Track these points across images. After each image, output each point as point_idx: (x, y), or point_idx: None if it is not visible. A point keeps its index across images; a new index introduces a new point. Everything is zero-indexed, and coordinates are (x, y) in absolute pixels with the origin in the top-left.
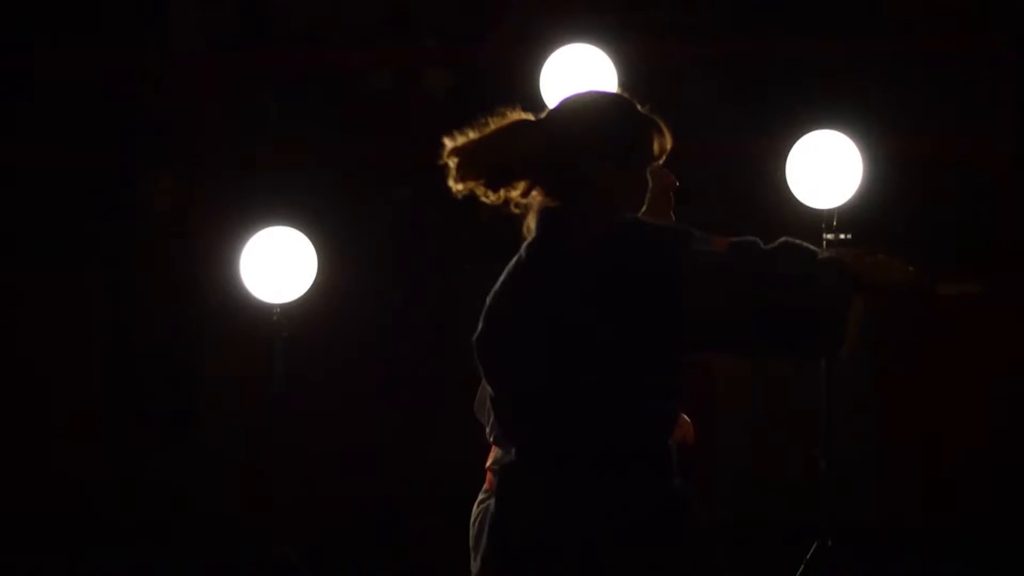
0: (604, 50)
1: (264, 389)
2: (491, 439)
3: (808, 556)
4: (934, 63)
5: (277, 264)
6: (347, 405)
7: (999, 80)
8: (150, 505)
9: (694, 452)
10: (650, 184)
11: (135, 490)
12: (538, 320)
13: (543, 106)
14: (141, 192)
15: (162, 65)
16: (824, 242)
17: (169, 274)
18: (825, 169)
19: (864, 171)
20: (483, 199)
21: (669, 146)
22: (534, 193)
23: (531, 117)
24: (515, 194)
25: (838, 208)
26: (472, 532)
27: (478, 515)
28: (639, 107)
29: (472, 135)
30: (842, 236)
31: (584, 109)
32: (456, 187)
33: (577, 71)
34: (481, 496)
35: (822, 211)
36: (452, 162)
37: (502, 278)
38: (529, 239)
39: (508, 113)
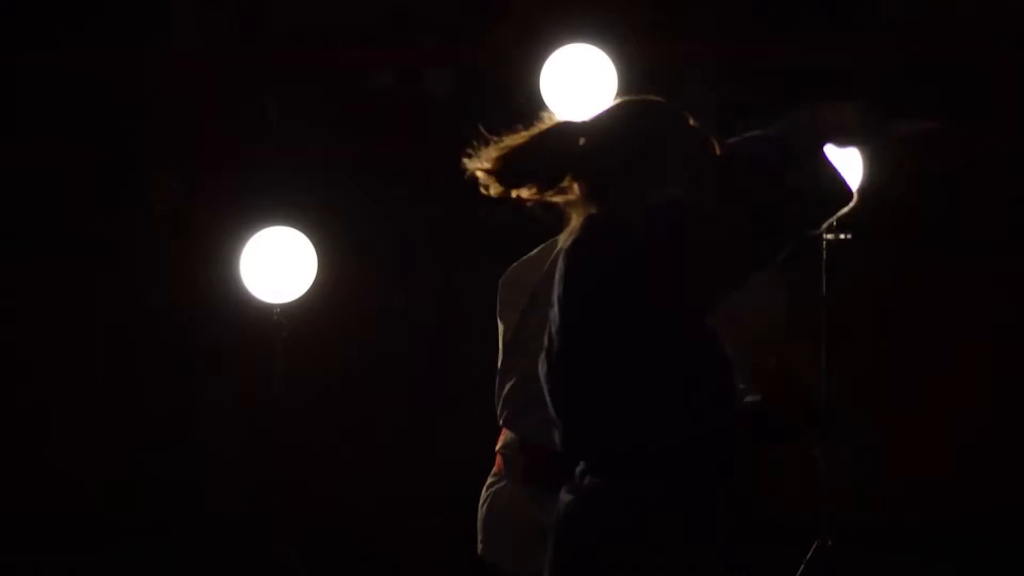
0: (604, 50)
1: (264, 389)
2: (501, 422)
3: (808, 556)
4: (934, 63)
5: (277, 264)
6: (347, 405)
7: (999, 80)
8: (150, 505)
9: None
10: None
11: (135, 490)
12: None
13: (543, 106)
14: (141, 192)
15: (162, 65)
16: (824, 241)
17: (169, 274)
18: None
19: (864, 170)
20: (520, 200)
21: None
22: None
23: (572, 121)
24: (558, 198)
25: None
26: (480, 515)
27: (487, 498)
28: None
29: (509, 141)
30: (842, 236)
31: (629, 120)
32: (494, 192)
33: (577, 71)
34: (490, 480)
35: None
36: (493, 168)
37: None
38: (572, 237)
39: (547, 117)
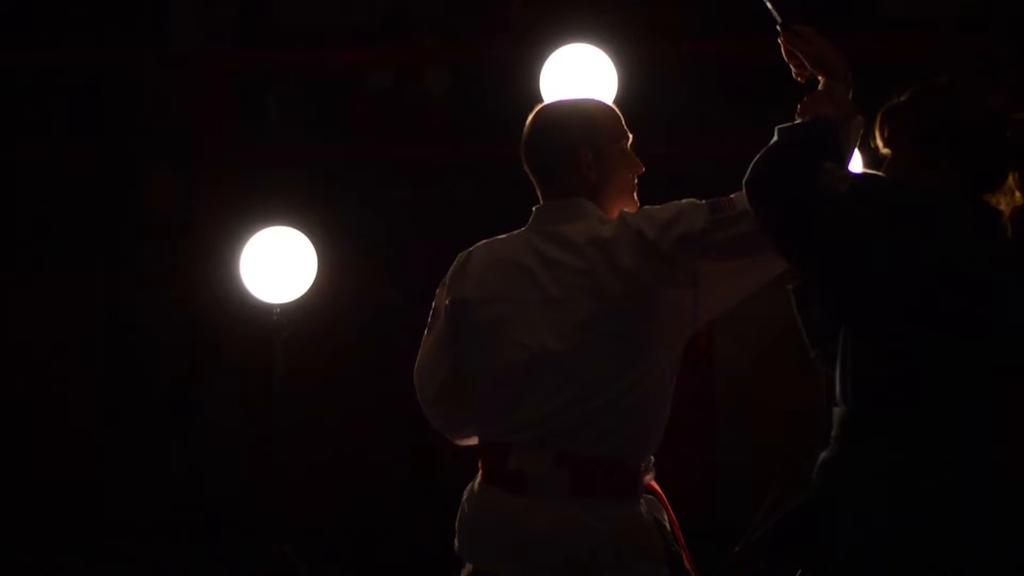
0: (604, 50)
1: (264, 389)
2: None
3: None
4: (933, 63)
5: (277, 264)
6: (346, 405)
7: (998, 81)
8: (150, 505)
9: None
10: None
11: (135, 490)
12: None
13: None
14: (141, 191)
15: (162, 65)
16: None
17: (169, 274)
18: None
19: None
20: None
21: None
22: None
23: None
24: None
25: None
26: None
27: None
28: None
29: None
30: None
31: None
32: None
33: (577, 71)
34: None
35: None
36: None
37: None
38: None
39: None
